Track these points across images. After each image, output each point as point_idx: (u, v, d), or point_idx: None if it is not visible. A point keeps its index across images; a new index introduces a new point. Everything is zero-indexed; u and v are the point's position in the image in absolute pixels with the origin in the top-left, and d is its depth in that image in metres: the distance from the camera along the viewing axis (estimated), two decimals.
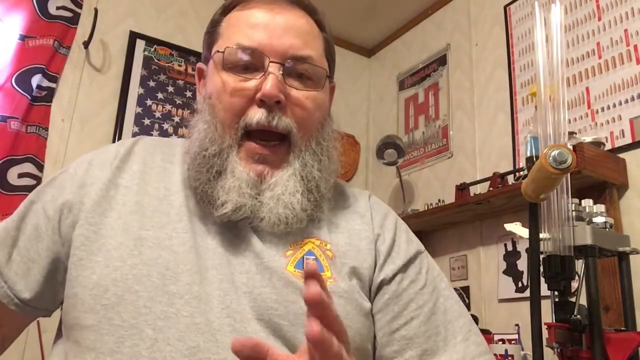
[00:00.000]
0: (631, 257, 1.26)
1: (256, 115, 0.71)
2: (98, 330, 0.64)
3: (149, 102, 2.47)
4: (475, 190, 2.10)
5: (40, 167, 2.14)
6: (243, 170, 0.71)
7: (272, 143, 0.73)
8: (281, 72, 0.72)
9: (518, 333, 1.86)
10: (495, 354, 1.68)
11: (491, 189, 1.97)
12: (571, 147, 0.91)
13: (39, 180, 2.11)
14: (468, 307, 2.18)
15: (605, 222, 1.21)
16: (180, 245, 0.69)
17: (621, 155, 1.75)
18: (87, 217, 0.71)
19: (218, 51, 0.76)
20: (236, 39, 0.74)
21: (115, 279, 0.66)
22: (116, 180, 0.74)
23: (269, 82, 0.70)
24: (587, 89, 1.93)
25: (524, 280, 2.00)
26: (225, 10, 0.81)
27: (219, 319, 0.65)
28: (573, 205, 1.16)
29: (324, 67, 0.77)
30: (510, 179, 1.98)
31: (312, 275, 0.49)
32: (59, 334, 0.73)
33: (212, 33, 0.81)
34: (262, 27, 0.74)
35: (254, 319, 0.66)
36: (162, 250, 0.68)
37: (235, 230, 0.73)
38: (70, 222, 0.72)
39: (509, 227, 1.28)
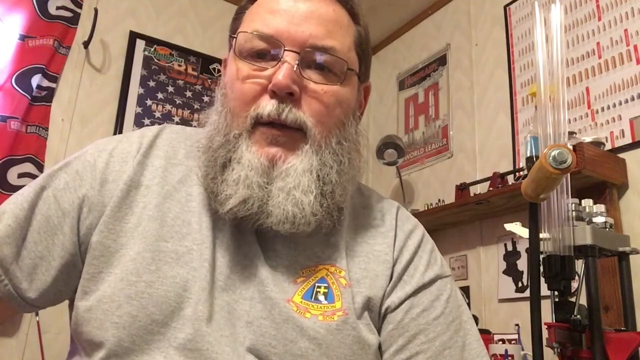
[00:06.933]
0: (631, 257, 1.26)
1: (267, 105, 0.65)
2: (107, 349, 0.61)
3: (149, 102, 2.47)
4: (475, 190, 2.10)
5: (40, 167, 2.15)
6: (254, 156, 0.65)
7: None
8: (297, 62, 0.66)
9: (518, 333, 1.86)
10: (495, 354, 1.68)
11: (491, 189, 1.97)
12: (571, 147, 0.91)
13: None
14: (468, 307, 2.18)
15: (605, 222, 1.21)
16: (198, 259, 0.65)
17: (621, 155, 1.75)
18: (107, 223, 0.66)
19: (231, 36, 0.71)
20: (254, 25, 0.69)
21: (129, 295, 0.62)
22: (138, 179, 0.70)
23: (282, 71, 0.65)
24: (587, 89, 1.92)
25: (524, 280, 2.00)
26: None
27: (219, 346, 0.62)
28: (573, 205, 1.16)
29: (345, 60, 0.69)
30: (510, 179, 1.98)
31: None
32: (74, 349, 0.69)
33: (236, 20, 0.75)
34: (282, 14, 0.68)
35: (251, 353, 0.63)
36: (181, 267, 0.65)
37: (246, 247, 0.69)
38: (89, 223, 0.67)
39: (509, 227, 1.28)
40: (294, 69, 0.66)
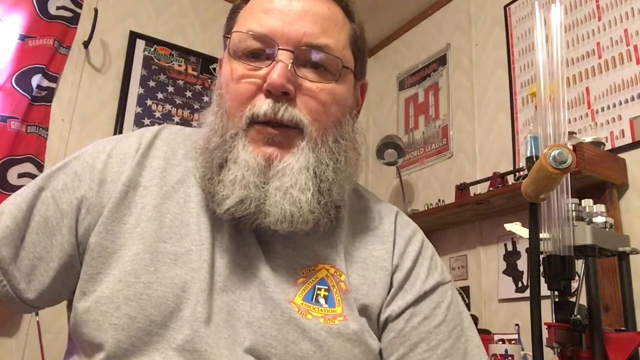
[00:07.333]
0: (631, 257, 1.26)
1: (263, 105, 0.65)
2: (106, 351, 0.61)
3: (149, 102, 2.47)
4: (475, 190, 2.10)
5: (40, 167, 2.15)
6: (250, 155, 0.65)
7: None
8: (292, 60, 0.66)
9: (518, 333, 1.86)
10: (495, 354, 1.68)
11: (491, 189, 1.97)
12: (571, 147, 0.91)
13: None
14: (468, 307, 2.18)
15: (605, 222, 1.21)
16: (197, 260, 0.65)
17: (621, 155, 1.75)
18: (105, 224, 0.66)
19: (225, 36, 0.71)
20: (248, 24, 0.69)
21: (128, 297, 0.62)
22: (136, 179, 0.69)
23: (276, 70, 0.64)
24: (587, 89, 1.92)
25: (524, 280, 2.00)
26: None
27: (218, 347, 0.62)
28: (573, 205, 1.16)
29: (340, 57, 0.69)
30: (510, 179, 1.98)
31: None
32: (72, 348, 0.68)
33: (230, 20, 0.75)
34: (277, 13, 0.67)
35: (251, 354, 0.62)
36: (179, 268, 0.65)
37: (245, 248, 0.68)
38: (87, 224, 0.67)
39: (509, 227, 1.28)
40: (289, 67, 0.65)
